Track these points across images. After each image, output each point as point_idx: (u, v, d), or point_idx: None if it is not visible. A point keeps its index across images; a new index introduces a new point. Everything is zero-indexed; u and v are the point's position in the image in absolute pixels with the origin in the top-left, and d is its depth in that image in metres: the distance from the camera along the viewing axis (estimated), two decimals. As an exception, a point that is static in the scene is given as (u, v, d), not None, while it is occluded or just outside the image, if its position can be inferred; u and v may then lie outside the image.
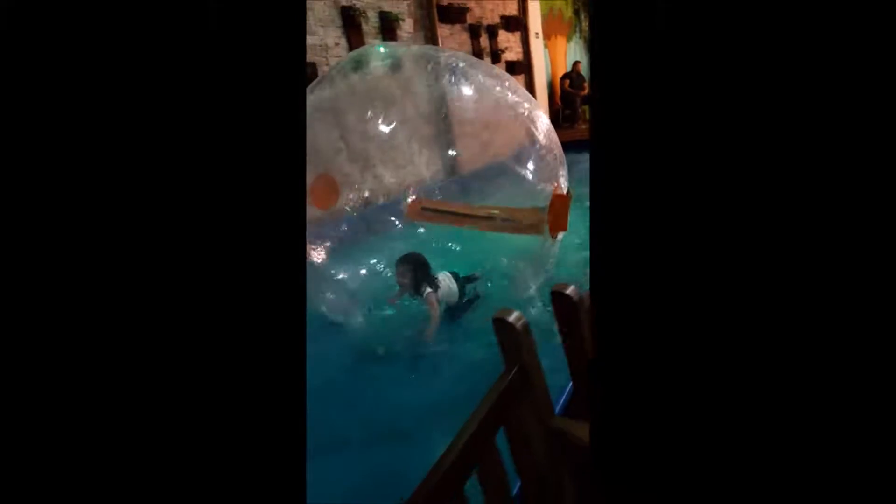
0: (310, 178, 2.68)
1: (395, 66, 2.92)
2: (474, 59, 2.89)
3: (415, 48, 3.06)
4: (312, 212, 2.75)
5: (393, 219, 3.24)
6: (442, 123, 3.67)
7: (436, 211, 3.15)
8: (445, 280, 2.73)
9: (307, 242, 2.66)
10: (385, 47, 2.98)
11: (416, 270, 2.62)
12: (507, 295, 2.79)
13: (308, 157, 2.67)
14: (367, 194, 3.44)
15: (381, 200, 3.51)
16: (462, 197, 3.77)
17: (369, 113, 2.87)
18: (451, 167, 4.69)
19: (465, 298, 2.82)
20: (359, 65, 2.83)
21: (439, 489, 0.86)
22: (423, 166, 3.96)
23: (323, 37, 4.03)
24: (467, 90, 2.69)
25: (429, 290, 2.60)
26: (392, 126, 2.95)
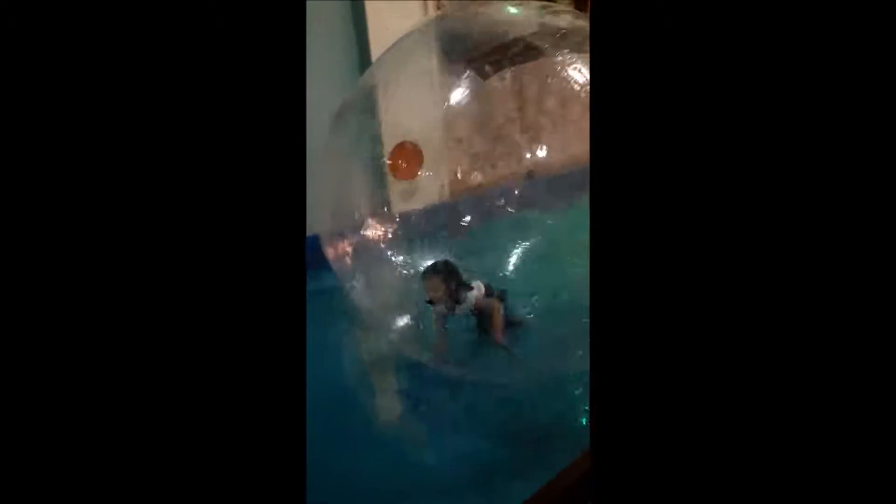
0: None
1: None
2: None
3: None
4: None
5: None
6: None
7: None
8: (480, 288, 2.30)
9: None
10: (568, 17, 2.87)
11: (449, 280, 2.21)
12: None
13: (478, 125, 2.75)
14: (531, 167, 3.44)
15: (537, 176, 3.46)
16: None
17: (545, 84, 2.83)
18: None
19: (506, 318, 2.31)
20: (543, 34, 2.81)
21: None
22: (588, 143, 3.83)
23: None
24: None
25: (470, 293, 2.23)
26: (570, 100, 2.86)
